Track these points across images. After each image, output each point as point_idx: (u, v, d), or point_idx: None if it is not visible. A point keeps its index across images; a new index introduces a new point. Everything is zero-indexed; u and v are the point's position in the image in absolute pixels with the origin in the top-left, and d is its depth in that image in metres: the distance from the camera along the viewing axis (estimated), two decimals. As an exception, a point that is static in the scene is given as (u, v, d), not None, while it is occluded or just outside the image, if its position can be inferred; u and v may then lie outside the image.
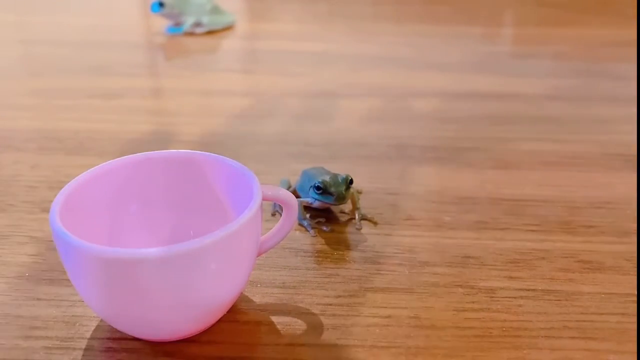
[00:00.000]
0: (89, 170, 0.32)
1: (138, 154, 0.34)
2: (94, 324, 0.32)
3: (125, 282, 0.26)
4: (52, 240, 0.39)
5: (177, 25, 0.92)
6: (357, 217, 0.42)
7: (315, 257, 0.38)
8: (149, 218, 0.35)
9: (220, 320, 0.32)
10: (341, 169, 0.43)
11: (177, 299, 0.27)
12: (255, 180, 0.31)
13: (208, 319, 0.31)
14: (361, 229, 0.41)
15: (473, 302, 0.34)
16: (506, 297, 0.34)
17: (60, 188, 0.30)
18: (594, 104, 0.65)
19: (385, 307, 0.33)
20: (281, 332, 0.32)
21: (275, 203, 0.43)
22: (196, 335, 0.31)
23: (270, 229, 0.34)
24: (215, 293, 0.29)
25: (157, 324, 0.29)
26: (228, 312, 0.32)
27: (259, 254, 0.32)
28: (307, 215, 0.42)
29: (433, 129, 0.58)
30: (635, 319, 0.33)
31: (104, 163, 0.33)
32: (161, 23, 0.94)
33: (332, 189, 0.39)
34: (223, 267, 0.28)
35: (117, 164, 0.33)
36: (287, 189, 0.44)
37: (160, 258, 0.26)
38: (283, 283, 0.35)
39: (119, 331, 0.31)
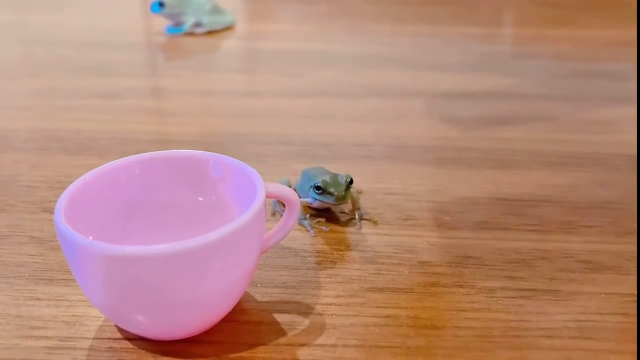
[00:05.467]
0: (92, 170, 0.32)
1: (142, 154, 0.34)
2: (94, 324, 0.32)
3: (130, 280, 0.27)
4: (52, 240, 0.39)
5: (177, 25, 0.92)
6: (357, 217, 0.42)
7: (315, 257, 0.38)
8: (152, 217, 0.35)
9: (220, 320, 0.32)
10: (341, 169, 0.43)
11: (183, 296, 0.27)
12: (259, 178, 0.31)
13: (214, 316, 0.31)
14: (361, 228, 0.41)
15: (473, 302, 0.34)
16: (506, 297, 0.34)
17: (61, 188, 0.31)
18: (593, 104, 0.65)
19: (385, 307, 0.33)
20: (281, 332, 0.32)
21: (275, 203, 0.43)
22: (196, 335, 0.31)
23: (271, 229, 0.34)
24: (222, 290, 0.29)
25: (163, 323, 0.29)
26: (228, 312, 0.32)
27: (262, 252, 0.33)
28: (307, 215, 0.42)
29: (433, 129, 0.58)
30: (635, 319, 0.33)
31: (107, 163, 0.33)
32: (161, 23, 0.94)
33: (332, 189, 0.39)
34: (229, 264, 0.28)
35: (120, 164, 0.33)
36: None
37: (166, 255, 0.26)
38: (283, 283, 0.35)
39: (119, 331, 0.31)
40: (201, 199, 0.35)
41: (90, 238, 0.27)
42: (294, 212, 0.33)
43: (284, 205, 0.33)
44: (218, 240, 0.27)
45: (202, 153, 0.34)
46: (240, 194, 0.32)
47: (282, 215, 0.35)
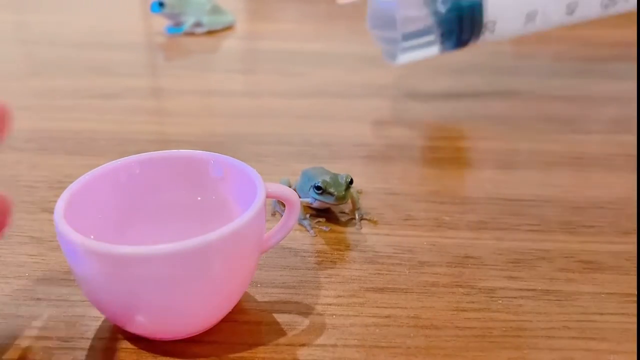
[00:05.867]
0: (92, 170, 0.32)
1: (142, 154, 0.34)
2: (94, 324, 0.32)
3: (129, 280, 0.27)
4: (52, 240, 0.39)
5: (177, 25, 0.92)
6: (357, 217, 0.42)
7: (315, 257, 0.38)
8: (152, 217, 0.35)
9: (220, 320, 0.32)
10: (341, 169, 0.43)
11: (183, 296, 0.27)
12: (259, 178, 0.31)
13: (214, 317, 0.31)
14: (361, 228, 0.41)
15: (473, 302, 0.34)
16: (506, 297, 0.34)
17: (60, 188, 0.30)
18: (594, 104, 0.65)
19: (385, 307, 0.33)
20: (281, 332, 0.32)
21: (275, 203, 0.43)
22: (196, 335, 0.31)
23: (271, 229, 0.34)
24: (222, 290, 0.29)
25: (163, 323, 0.29)
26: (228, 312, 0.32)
27: (262, 252, 0.33)
28: (307, 215, 0.42)
29: (433, 128, 0.58)
30: (635, 319, 0.33)
31: (107, 163, 0.33)
32: (161, 23, 0.94)
33: (332, 189, 0.39)
34: (229, 264, 0.28)
35: (120, 164, 0.33)
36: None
37: (166, 255, 0.26)
38: (283, 283, 0.35)
39: (118, 331, 0.31)
40: (201, 198, 0.35)
41: (92, 237, 0.27)
42: (294, 212, 0.33)
43: (284, 205, 0.33)
44: (218, 241, 0.27)
45: (202, 153, 0.34)
46: (240, 194, 0.32)
47: (282, 215, 0.35)
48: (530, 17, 0.59)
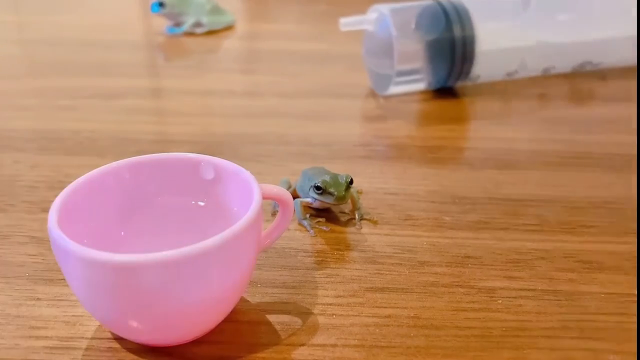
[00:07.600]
0: (82, 177, 0.31)
1: (130, 158, 0.33)
2: (94, 324, 0.32)
3: (128, 287, 0.26)
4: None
5: (177, 25, 0.92)
6: (357, 217, 0.42)
7: (315, 257, 0.38)
8: (147, 222, 0.34)
9: (220, 321, 0.32)
10: (341, 169, 0.43)
11: (178, 303, 0.27)
12: (254, 180, 0.31)
13: (210, 322, 0.31)
14: (361, 228, 0.41)
15: (473, 302, 0.34)
16: (506, 297, 0.34)
17: (61, 188, 0.30)
18: (593, 104, 0.65)
19: (385, 307, 0.33)
20: (281, 332, 0.32)
21: (275, 202, 0.43)
22: (196, 335, 0.31)
23: (267, 229, 0.34)
24: (219, 296, 0.29)
25: (158, 331, 0.29)
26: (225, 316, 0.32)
27: (257, 252, 0.32)
28: (307, 215, 0.42)
29: (433, 128, 0.58)
30: (635, 319, 0.33)
31: (96, 169, 0.32)
32: (161, 23, 0.94)
33: (332, 189, 0.39)
34: (227, 270, 0.28)
35: (109, 169, 0.32)
36: (287, 189, 0.44)
37: (163, 263, 0.25)
38: (283, 283, 0.35)
39: (119, 331, 0.31)
40: (194, 202, 0.35)
41: (86, 244, 0.26)
42: (287, 212, 0.33)
43: (284, 205, 0.33)
44: (216, 247, 0.26)
45: (192, 155, 0.34)
46: (235, 196, 0.32)
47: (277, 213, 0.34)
48: (510, 74, 0.67)
